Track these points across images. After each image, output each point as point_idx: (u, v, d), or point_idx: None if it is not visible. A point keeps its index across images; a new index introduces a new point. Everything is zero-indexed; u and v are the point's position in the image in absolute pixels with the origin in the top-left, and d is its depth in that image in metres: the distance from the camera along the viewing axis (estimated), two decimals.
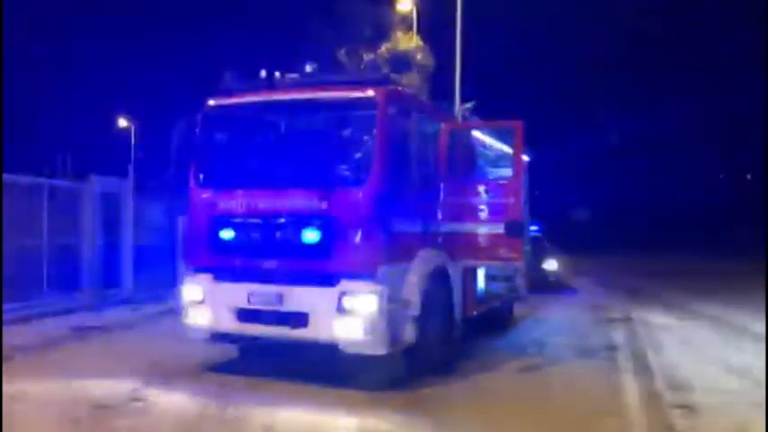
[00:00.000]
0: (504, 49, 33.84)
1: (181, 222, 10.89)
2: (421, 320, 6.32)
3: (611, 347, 8.62)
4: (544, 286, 13.85)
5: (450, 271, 7.09)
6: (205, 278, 6.57)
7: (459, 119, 8.67)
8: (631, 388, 6.52)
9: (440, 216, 7.20)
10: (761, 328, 10.07)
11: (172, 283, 10.20)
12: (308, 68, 7.03)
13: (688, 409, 5.73)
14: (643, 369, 7.35)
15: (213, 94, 6.92)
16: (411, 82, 7.44)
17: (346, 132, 6.55)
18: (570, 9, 32.66)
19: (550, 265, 15.11)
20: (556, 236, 18.15)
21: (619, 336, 9.52)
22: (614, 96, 40.19)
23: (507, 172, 7.96)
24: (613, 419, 5.47)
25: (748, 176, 47.17)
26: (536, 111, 31.88)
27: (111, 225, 11.96)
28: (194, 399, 5.91)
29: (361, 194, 6.06)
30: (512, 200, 7.40)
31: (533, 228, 14.18)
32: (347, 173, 6.34)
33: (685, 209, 40.08)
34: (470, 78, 11.30)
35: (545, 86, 39.04)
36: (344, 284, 5.97)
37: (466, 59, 11.09)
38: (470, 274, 7.89)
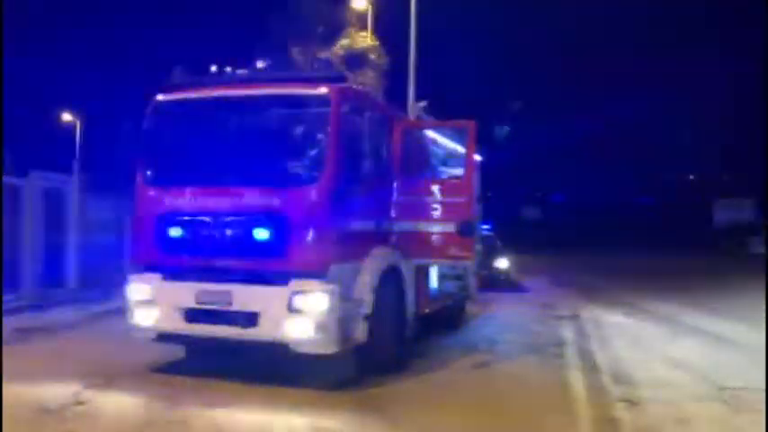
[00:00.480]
0: (460, 50, 34.18)
1: (129, 220, 10.62)
2: (373, 319, 6.32)
3: (560, 344, 8.80)
4: (496, 284, 14.06)
5: (403, 269, 7.11)
6: (152, 277, 6.42)
7: (413, 118, 8.72)
8: (578, 383, 6.66)
9: (392, 214, 7.22)
10: (704, 323, 10.49)
11: (119, 282, 9.92)
12: (260, 65, 6.96)
13: (632, 402, 5.89)
14: (590, 365, 7.53)
15: (162, 90, 6.76)
16: (365, 80, 7.46)
17: (298, 130, 6.52)
18: (525, 11, 33.29)
19: (502, 263, 15.34)
20: (508, 235, 18.46)
21: (568, 333, 9.73)
22: (571, 96, 40.95)
23: (459, 171, 8.04)
24: (559, 414, 5.57)
25: (691, 177, 48.96)
26: (492, 110, 32.33)
27: (55, 222, 11.57)
28: (139, 401, 5.77)
29: (313, 192, 6.01)
30: (463, 199, 7.47)
31: (485, 227, 14.38)
32: (299, 170, 6.29)
33: (637, 208, 41.25)
34: (425, 77, 11.39)
35: (501, 87, 39.54)
36: (296, 283, 5.92)
37: (421, 59, 11.16)
38: (423, 273, 7.93)
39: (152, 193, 6.54)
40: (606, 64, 37.51)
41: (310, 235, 5.98)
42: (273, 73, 6.89)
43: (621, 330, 9.92)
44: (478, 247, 10.50)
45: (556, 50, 39.24)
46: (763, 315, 11.27)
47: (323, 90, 6.21)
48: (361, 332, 6.21)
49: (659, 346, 8.63)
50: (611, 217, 40.40)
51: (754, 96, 32.91)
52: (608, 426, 5.29)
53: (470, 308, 10.81)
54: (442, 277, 8.80)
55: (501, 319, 11.13)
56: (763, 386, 6.31)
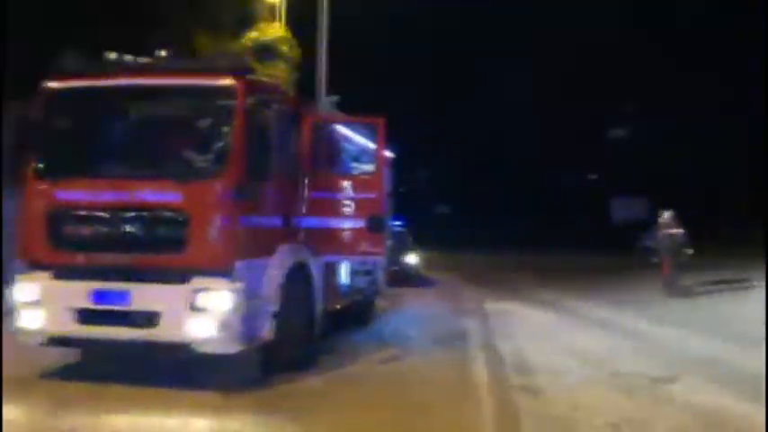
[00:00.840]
0: (375, 44, 34.20)
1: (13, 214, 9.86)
2: (280, 316, 6.21)
3: (466, 337, 9.03)
4: (406, 280, 14.23)
5: (312, 266, 7.04)
6: (42, 276, 6.00)
7: (323, 113, 8.64)
8: (481, 374, 6.85)
9: (301, 210, 7.12)
10: (601, 314, 11.07)
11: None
12: (162, 53, 6.64)
13: (532, 390, 6.12)
14: (494, 356, 7.76)
15: (53, 77, 6.33)
16: (275, 73, 7.31)
17: (202, 122, 6.27)
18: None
19: (412, 259, 15.55)
20: (421, 231, 18.75)
21: (474, 325, 9.99)
22: (490, 94, 41.78)
23: (370, 167, 8.05)
24: (463, 405, 5.69)
25: (593, 176, 51.41)
26: (406, 107, 32.60)
27: None
28: (26, 410, 5.38)
29: (216, 187, 5.82)
30: (373, 195, 7.49)
31: (397, 223, 14.51)
32: (202, 164, 6.04)
33: (550, 206, 42.76)
34: (340, 73, 11.31)
35: (416, 83, 39.87)
36: (198, 281, 5.72)
37: (333, 53, 11.08)
38: (332, 269, 7.89)
39: (42, 186, 6.11)
40: (515, 64, 38.67)
41: (213, 231, 5.79)
42: (177, 62, 6.60)
43: (525, 322, 10.30)
44: (389, 242, 10.59)
45: (458, 44, 39.98)
46: (651, 305, 12.10)
47: (228, 81, 6.02)
48: (267, 330, 6.09)
49: (559, 336, 9.01)
50: (520, 215, 41.83)
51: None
52: (509, 414, 5.45)
53: (380, 303, 10.89)
54: (352, 273, 8.80)
55: (410, 313, 11.28)
56: (651, 372, 6.74)
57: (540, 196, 43.49)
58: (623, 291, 14.55)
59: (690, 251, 14.36)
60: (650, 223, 14.92)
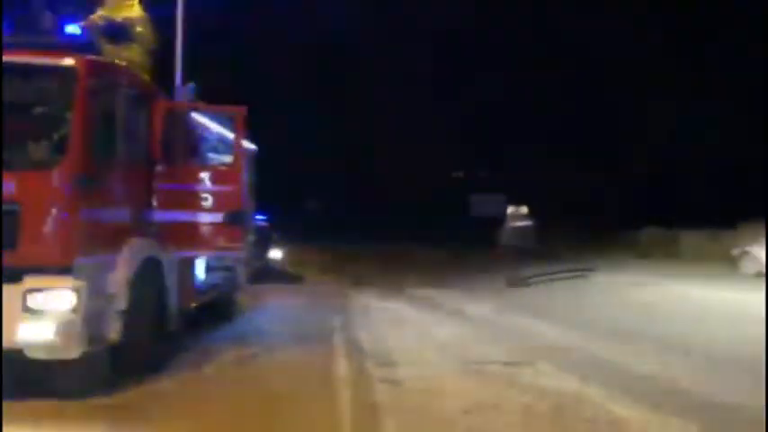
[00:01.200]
0: (253, 34, 33.12)
1: None
2: (129, 315, 5.78)
3: (329, 332, 9.00)
4: (270, 276, 13.97)
5: (164, 262, 6.63)
6: None
7: (180, 100, 8.18)
8: (343, 369, 6.84)
9: (153, 203, 6.69)
10: (459, 305, 11.53)
11: None
12: None
13: (392, 383, 6.20)
14: (356, 350, 7.79)
15: None
16: (128, 55, 6.80)
17: (41, 104, 5.69)
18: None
19: (277, 254, 15.30)
20: (288, 226, 18.50)
21: (338, 320, 9.99)
22: (361, 90, 41.91)
23: (229, 159, 7.76)
24: (322, 401, 5.63)
25: (459, 174, 53.59)
26: (275, 99, 31.94)
27: None
28: None
29: (53, 176, 5.29)
30: (232, 188, 7.22)
31: (261, 217, 14.20)
32: (40, 151, 5.49)
33: (418, 202, 43.81)
34: (200, 58, 10.73)
35: (287, 77, 39.14)
36: (32, 280, 5.18)
37: (193, 37, 10.46)
38: (187, 265, 7.51)
39: None
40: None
41: (50, 224, 5.27)
42: (10, 37, 5.93)
43: (388, 315, 10.49)
44: (251, 237, 10.31)
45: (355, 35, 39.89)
46: (498, 294, 12.85)
47: (69, 61, 5.51)
48: (114, 331, 5.65)
49: (420, 328, 9.27)
50: (387, 211, 42.63)
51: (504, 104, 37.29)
52: (368, 407, 5.48)
53: (242, 300, 10.58)
54: (209, 269, 8.44)
55: (273, 310, 11.07)
56: (503, 358, 7.11)
57: (407, 192, 44.59)
58: (477, 281, 15.32)
59: (536, 243, 15.52)
60: (504, 219, 15.90)
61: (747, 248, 16.44)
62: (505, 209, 23.40)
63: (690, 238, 22.30)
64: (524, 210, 15.54)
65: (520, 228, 15.07)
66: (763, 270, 15.41)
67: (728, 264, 16.72)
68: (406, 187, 44.17)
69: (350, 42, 38.87)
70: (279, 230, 16.44)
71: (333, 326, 9.54)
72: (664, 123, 30.87)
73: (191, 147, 7.62)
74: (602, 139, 33.38)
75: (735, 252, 16.85)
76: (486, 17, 36.53)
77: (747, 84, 27.70)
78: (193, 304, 7.72)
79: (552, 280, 15.76)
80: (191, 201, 7.03)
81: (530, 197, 20.79)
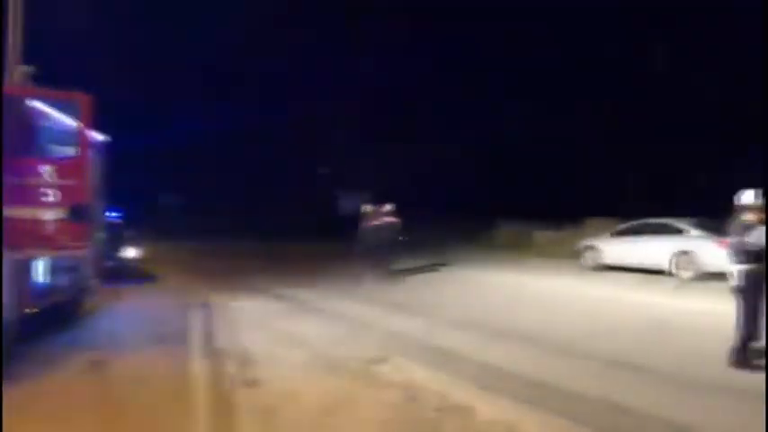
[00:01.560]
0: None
1: None
2: None
3: (187, 332, 8.64)
4: (123, 276, 13.16)
5: None
6: None
7: (12, 85, 7.45)
8: (200, 371, 6.59)
9: None
10: (321, 302, 11.54)
11: None
12: None
13: (251, 383, 6.08)
14: (215, 350, 7.55)
15: None
16: None
17: None
18: None
19: (130, 252, 14.43)
20: (143, 223, 17.50)
21: (196, 320, 9.62)
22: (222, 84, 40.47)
23: (72, 150, 7.18)
24: (178, 404, 5.41)
25: (324, 170, 53.64)
26: (130, 90, 30.10)
27: None
28: None
29: None
30: (76, 181, 6.72)
31: (113, 214, 13.32)
32: None
33: (277, 199, 43.18)
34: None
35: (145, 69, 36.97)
36: None
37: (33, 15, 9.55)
38: (24, 267, 6.87)
39: None
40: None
41: None
42: None
43: (249, 314, 10.25)
44: (101, 235, 9.67)
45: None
46: (363, 292, 13.08)
47: None
48: None
49: (281, 327, 9.15)
50: (252, 205, 41.73)
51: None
52: (224, 409, 5.34)
53: (92, 302, 9.86)
54: (51, 270, 7.77)
55: (127, 311, 10.43)
56: (364, 354, 7.22)
57: (273, 188, 43.94)
58: (339, 278, 15.44)
59: (404, 239, 16.00)
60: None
61: (590, 243, 17.90)
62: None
63: (541, 234, 24.00)
64: (389, 207, 15.91)
65: (383, 225, 15.49)
66: (603, 263, 16.95)
67: (576, 258, 18.15)
68: (272, 183, 43.57)
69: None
70: (134, 227, 15.50)
71: (190, 325, 9.17)
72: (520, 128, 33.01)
73: (28, 136, 6.97)
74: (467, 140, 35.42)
75: (579, 246, 18.28)
76: None
77: (593, 90, 30.46)
78: (34, 309, 7.07)
79: (414, 274, 16.30)
80: (27, 196, 6.45)
81: (396, 194, 21.34)
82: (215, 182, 43.76)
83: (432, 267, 17.92)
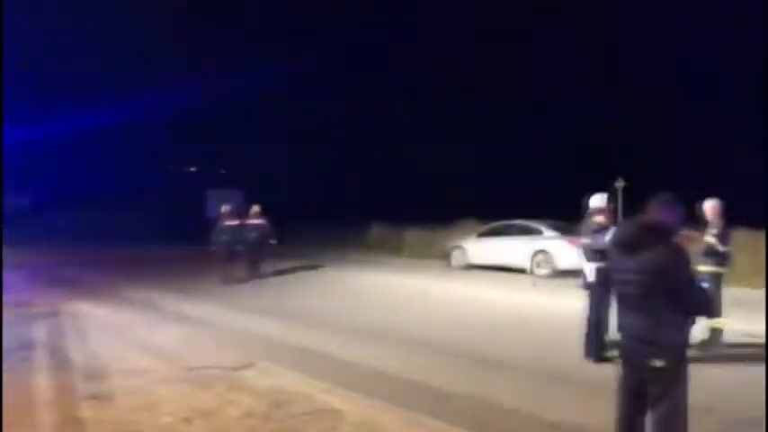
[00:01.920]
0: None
1: None
2: None
3: (31, 345, 7.84)
4: None
5: None
6: None
7: None
8: (45, 386, 6.00)
9: None
10: (184, 308, 10.97)
11: None
12: None
13: (102, 397, 5.60)
14: (62, 363, 6.90)
15: None
16: None
17: None
18: None
19: None
20: None
21: (42, 332, 8.76)
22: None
23: None
24: (20, 425, 4.85)
25: (192, 169, 51.57)
26: None
27: None
28: None
29: None
30: None
31: None
32: None
33: (138, 199, 40.87)
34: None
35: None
36: None
37: None
38: None
39: None
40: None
41: None
42: None
43: (103, 323, 9.52)
44: None
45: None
46: (225, 295, 12.67)
47: None
48: None
49: (138, 335, 8.57)
50: (111, 206, 39.24)
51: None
52: (71, 427, 4.86)
53: None
54: None
55: None
56: (226, 362, 6.90)
57: (137, 186, 41.72)
58: (201, 280, 14.87)
59: (273, 241, 15.71)
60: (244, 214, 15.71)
61: (458, 243, 18.53)
62: (241, 205, 23.15)
63: (413, 235, 24.50)
64: (257, 208, 15.61)
65: (249, 226, 15.23)
66: (470, 262, 17.60)
67: (445, 258, 18.69)
68: (132, 182, 41.36)
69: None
70: None
71: (35, 337, 8.33)
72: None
73: None
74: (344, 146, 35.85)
75: (448, 247, 18.86)
76: None
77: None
78: None
79: (285, 275, 16.05)
80: None
81: (271, 195, 20.94)
82: (67, 179, 40.77)
83: (303, 268, 17.73)
